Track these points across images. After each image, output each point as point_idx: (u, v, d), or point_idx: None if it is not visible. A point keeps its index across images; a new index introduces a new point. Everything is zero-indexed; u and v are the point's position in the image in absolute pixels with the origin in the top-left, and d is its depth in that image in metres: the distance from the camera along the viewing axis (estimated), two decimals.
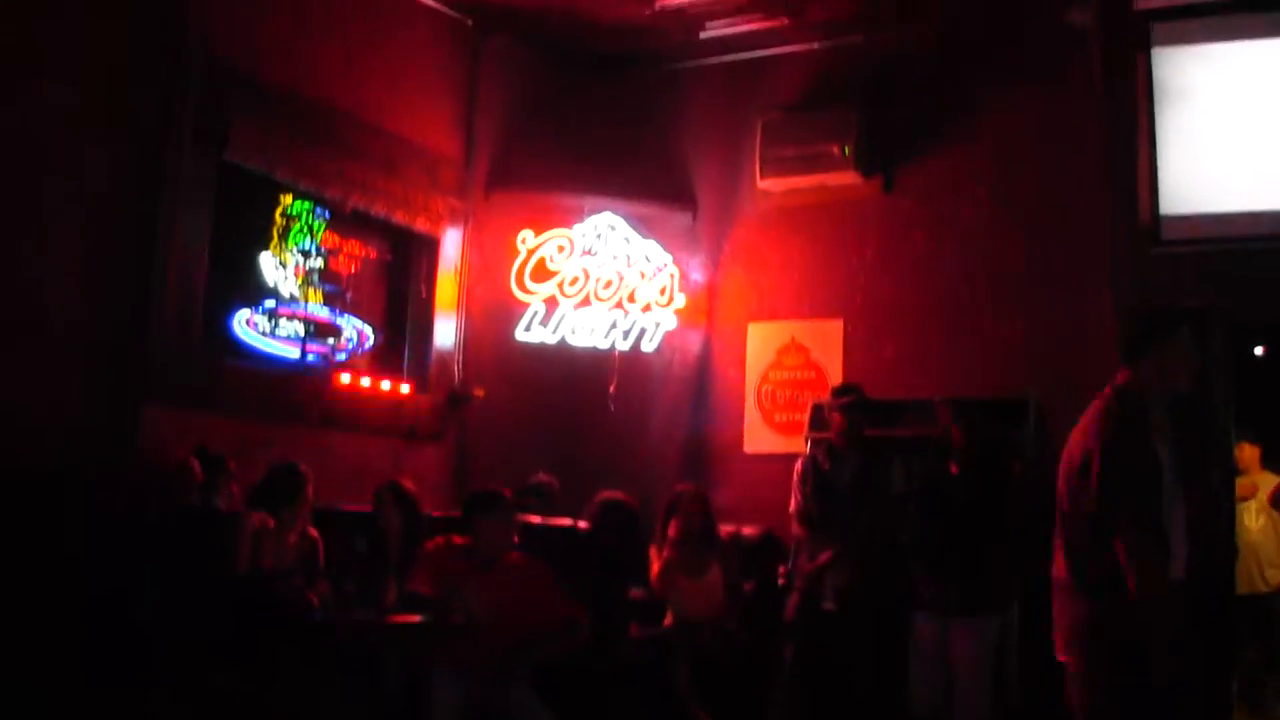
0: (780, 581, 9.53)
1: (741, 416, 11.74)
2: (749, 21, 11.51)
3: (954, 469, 8.45)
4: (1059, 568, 5.62)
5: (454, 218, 11.56)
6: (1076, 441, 5.60)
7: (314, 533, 8.36)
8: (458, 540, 7.72)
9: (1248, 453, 10.74)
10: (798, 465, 9.34)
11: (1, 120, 8.16)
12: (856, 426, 9.07)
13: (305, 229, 10.39)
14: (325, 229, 10.55)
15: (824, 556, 8.83)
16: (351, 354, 10.70)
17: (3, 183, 8.16)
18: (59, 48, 8.45)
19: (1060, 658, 5.58)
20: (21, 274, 8.28)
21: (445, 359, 11.48)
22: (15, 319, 8.18)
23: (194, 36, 9.22)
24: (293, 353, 10.20)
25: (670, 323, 11.80)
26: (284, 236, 10.27)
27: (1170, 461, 5.40)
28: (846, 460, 9.05)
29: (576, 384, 11.77)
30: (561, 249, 11.59)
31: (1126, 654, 5.23)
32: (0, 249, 8.17)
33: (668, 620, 9.14)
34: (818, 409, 10.26)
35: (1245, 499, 10.64)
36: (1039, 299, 10.56)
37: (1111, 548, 5.24)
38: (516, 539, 7.83)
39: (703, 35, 11.78)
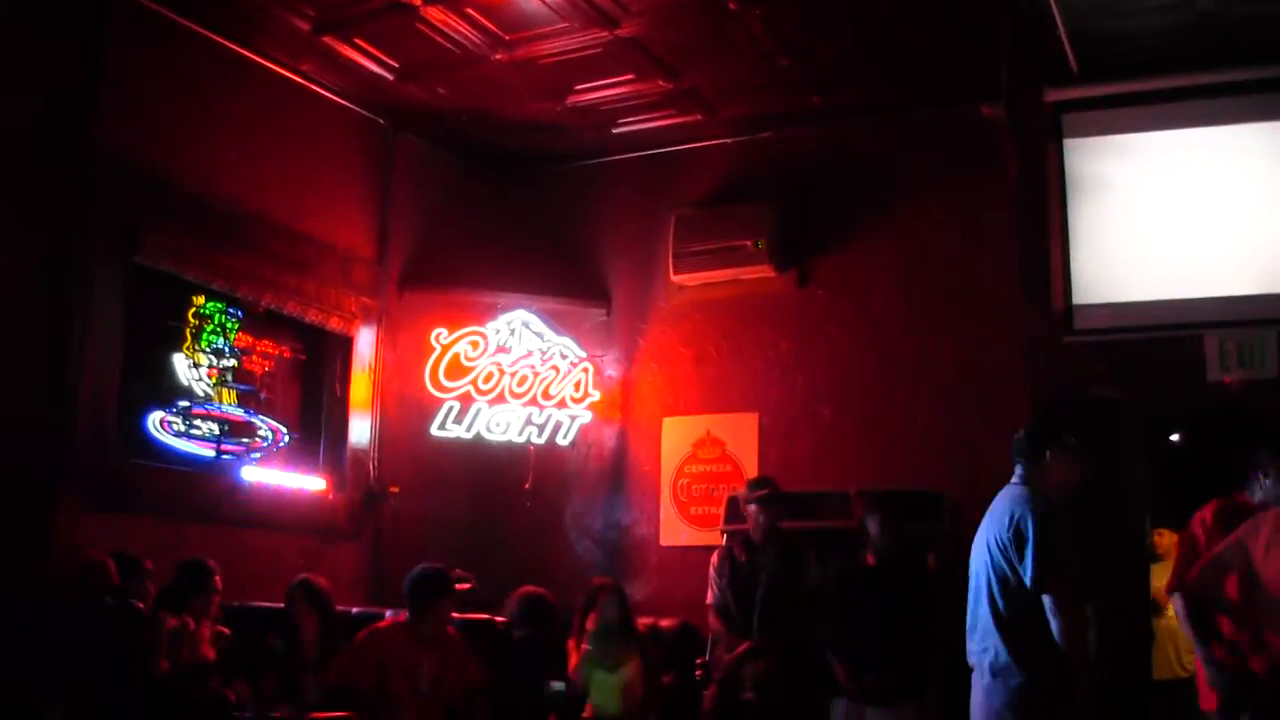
0: (698, 673, 9.50)
1: (658, 510, 11.74)
2: (661, 118, 11.60)
3: (870, 560, 8.48)
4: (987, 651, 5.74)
5: (367, 316, 11.54)
6: (1000, 526, 5.74)
7: (225, 630, 8.29)
8: (386, 624, 7.90)
9: (1166, 539, 10.77)
10: (714, 558, 9.31)
11: None
12: (772, 519, 9.08)
13: (218, 329, 10.35)
14: (238, 329, 10.53)
15: (742, 647, 8.83)
16: (266, 453, 10.63)
17: None
18: None
19: None
20: None
21: (360, 457, 11.41)
22: None
23: (101, 141, 9.21)
24: (207, 452, 10.13)
25: (585, 418, 11.84)
26: (196, 337, 10.23)
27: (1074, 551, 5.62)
28: (762, 552, 9.04)
29: (492, 480, 11.81)
30: (475, 345, 11.57)
31: None
32: None
33: (586, 713, 9.07)
34: (733, 502, 10.30)
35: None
36: (954, 391, 10.66)
37: (1045, 624, 5.45)
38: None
39: (615, 131, 11.89)
